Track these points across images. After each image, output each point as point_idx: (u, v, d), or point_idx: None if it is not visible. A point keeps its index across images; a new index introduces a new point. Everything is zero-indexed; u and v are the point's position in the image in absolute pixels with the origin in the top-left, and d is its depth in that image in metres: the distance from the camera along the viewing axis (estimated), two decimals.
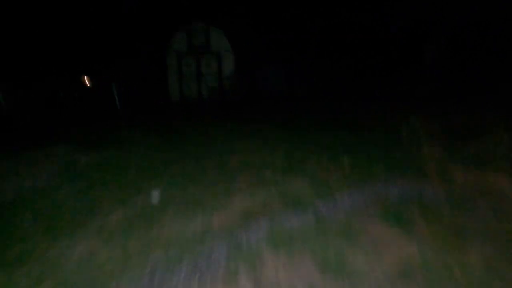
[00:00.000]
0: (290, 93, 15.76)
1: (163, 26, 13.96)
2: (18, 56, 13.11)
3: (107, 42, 14.25)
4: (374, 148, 5.18)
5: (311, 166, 4.48)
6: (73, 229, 2.95)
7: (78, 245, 2.69)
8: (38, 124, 9.09)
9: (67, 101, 11.89)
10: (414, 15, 14.80)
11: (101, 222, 3.07)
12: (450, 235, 2.61)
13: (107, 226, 2.99)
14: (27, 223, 3.05)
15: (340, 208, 3.16)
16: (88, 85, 15.07)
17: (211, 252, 2.49)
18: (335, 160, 4.61)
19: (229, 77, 13.50)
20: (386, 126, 6.57)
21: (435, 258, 2.33)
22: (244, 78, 13.76)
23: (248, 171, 4.41)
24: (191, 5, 14.38)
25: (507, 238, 2.56)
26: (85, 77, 16.43)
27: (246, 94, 13.55)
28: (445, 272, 2.20)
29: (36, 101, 11.67)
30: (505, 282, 2.10)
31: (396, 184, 3.69)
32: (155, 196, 3.59)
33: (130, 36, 13.94)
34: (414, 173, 4.00)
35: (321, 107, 11.43)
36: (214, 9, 13.84)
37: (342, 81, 15.87)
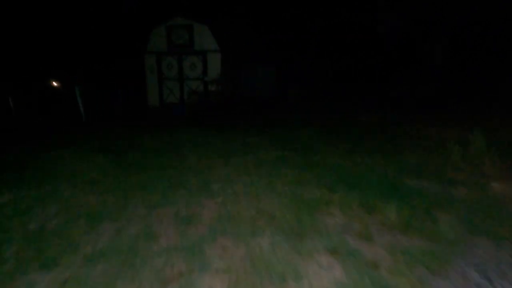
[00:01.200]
0: (283, 98, 14.10)
1: (139, 21, 12.12)
2: None
3: (74, 41, 12.30)
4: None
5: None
6: None
7: None
8: None
9: (18, 108, 9.90)
10: (415, 14, 13.42)
11: None
12: None
13: None
14: None
15: None
16: (54, 89, 13.04)
17: None
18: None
19: (215, 80, 11.73)
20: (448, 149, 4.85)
21: None
22: (232, 82, 12.04)
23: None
24: None
25: None
26: (52, 81, 14.40)
27: (234, 99, 11.81)
28: None
29: None
30: None
31: None
32: None
33: (101, 34, 12.04)
34: None
35: (323, 113, 9.79)
36: (197, 1, 12.09)
37: (342, 84, 14.35)
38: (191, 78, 12.44)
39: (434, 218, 2.76)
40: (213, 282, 2.00)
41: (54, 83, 14.57)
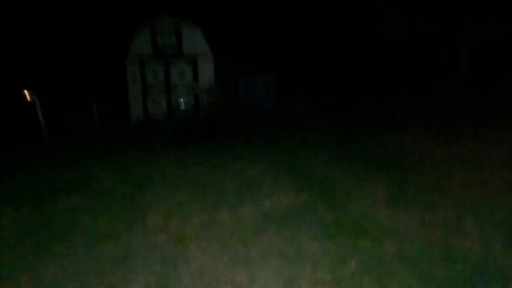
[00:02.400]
0: (286, 109, 12.34)
1: (119, 20, 10.42)
2: None
3: (42, 44, 10.56)
4: None
5: None
6: None
7: None
8: None
9: None
10: (436, 15, 11.80)
11: None
12: None
13: None
14: None
15: None
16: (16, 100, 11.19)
17: None
18: None
19: (207, 89, 9.94)
20: None
21: None
22: (228, 91, 10.28)
23: None
24: None
25: None
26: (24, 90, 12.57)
27: (229, 112, 10.03)
28: None
29: None
30: None
31: None
32: None
33: (72, 34, 10.31)
34: None
35: (336, 129, 7.98)
36: None
37: (353, 93, 12.60)
38: (179, 87, 10.66)
39: None
40: None
41: (27, 93, 12.72)
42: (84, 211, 3.41)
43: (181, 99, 10.50)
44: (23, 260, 2.47)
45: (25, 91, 12.62)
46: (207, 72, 10.38)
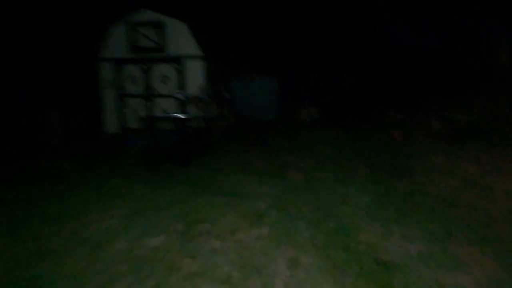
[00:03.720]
0: (291, 119, 10.65)
1: (89, 15, 8.64)
2: None
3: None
4: None
5: None
6: None
7: None
8: None
9: None
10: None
11: None
12: None
13: None
14: None
15: None
16: None
17: None
18: None
19: (196, 97, 8.17)
20: None
21: None
22: (220, 98, 8.54)
23: None
24: None
25: None
26: None
27: (222, 123, 8.28)
28: None
29: None
30: None
31: None
32: None
33: (34, 32, 8.50)
34: None
35: (358, 149, 6.28)
36: None
37: (369, 99, 10.94)
38: (162, 94, 8.89)
39: None
40: None
41: None
42: None
43: (167, 109, 8.72)
44: None
45: None
46: (195, 76, 8.63)
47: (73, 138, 8.53)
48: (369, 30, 10.15)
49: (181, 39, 8.61)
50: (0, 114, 6.77)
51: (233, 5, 9.42)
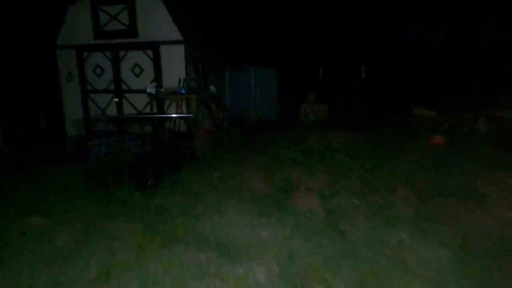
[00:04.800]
0: (292, 119, 9.06)
1: None
2: None
3: None
4: None
5: None
6: None
7: None
8: None
9: None
10: None
11: None
12: None
13: None
14: None
15: None
16: None
17: None
18: None
19: (174, 92, 6.46)
20: None
21: None
22: (208, 94, 6.84)
23: None
24: None
25: None
26: None
27: (210, 126, 6.66)
28: None
29: None
30: None
31: None
32: None
33: None
34: None
35: (379, 160, 4.69)
36: None
37: (381, 101, 9.31)
38: (135, 90, 7.18)
39: None
40: None
41: None
42: None
43: (140, 107, 7.03)
44: None
45: None
46: (174, 66, 6.94)
47: (23, 145, 6.83)
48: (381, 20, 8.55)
49: (156, 19, 6.91)
50: None
51: None
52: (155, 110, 6.73)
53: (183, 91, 5.30)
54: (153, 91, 5.43)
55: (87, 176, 3.85)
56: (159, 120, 5.91)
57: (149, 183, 3.61)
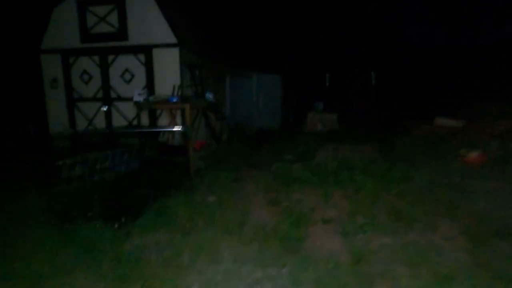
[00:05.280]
0: (296, 128, 8.35)
1: None
2: None
3: None
4: None
5: None
6: None
7: None
8: None
9: None
10: None
11: None
12: None
13: None
14: None
15: None
16: None
17: None
18: None
19: (165, 101, 5.73)
20: None
21: None
22: (205, 103, 6.14)
23: None
24: None
25: None
26: None
27: (208, 139, 5.95)
28: None
29: None
30: None
31: None
32: None
33: None
34: None
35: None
36: None
37: (391, 103, 8.60)
38: (125, 98, 6.49)
39: None
40: None
41: None
42: None
43: (130, 117, 6.32)
44: None
45: None
46: (168, 72, 6.27)
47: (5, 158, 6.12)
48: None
49: (148, 21, 6.27)
50: None
51: None
52: (145, 121, 6.03)
53: (174, 100, 4.61)
54: (141, 100, 4.74)
55: (49, 207, 3.11)
56: (146, 134, 5.22)
57: (123, 220, 2.87)
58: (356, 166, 4.39)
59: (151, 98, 4.89)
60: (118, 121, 6.67)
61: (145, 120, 6.31)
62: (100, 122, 6.80)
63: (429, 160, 4.46)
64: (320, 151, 5.31)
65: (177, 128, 4.17)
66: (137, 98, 4.81)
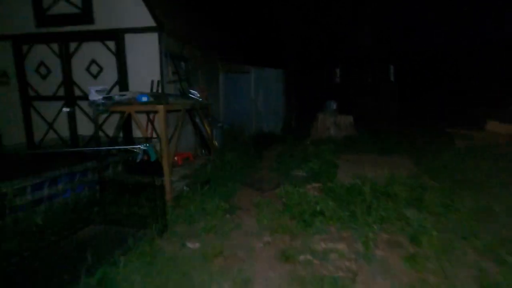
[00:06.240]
0: (304, 132, 7.11)
1: None
2: None
3: None
4: None
5: None
6: None
7: None
8: None
9: None
10: None
11: None
12: None
13: None
14: None
15: None
16: None
17: None
18: None
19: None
20: None
21: None
22: (190, 106, 4.84)
23: None
24: None
25: None
26: None
27: (193, 149, 4.66)
28: None
29: None
30: None
31: None
32: None
33: None
34: None
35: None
36: None
37: (413, 105, 7.36)
38: (92, 94, 5.15)
39: None
40: None
41: None
42: None
43: (95, 118, 4.97)
44: None
45: None
46: (145, 63, 4.96)
47: None
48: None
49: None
50: None
51: None
52: (110, 130, 4.70)
53: (144, 99, 3.30)
54: (99, 99, 3.43)
55: None
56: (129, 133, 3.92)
57: None
58: (398, 192, 3.13)
59: (116, 97, 3.60)
60: (84, 126, 5.35)
61: (110, 128, 4.97)
62: (62, 127, 5.48)
63: (500, 181, 3.21)
64: (341, 166, 4.04)
65: (133, 147, 2.85)
66: (93, 96, 3.50)
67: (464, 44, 7.30)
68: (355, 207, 2.96)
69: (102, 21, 5.01)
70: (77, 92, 5.33)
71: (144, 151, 2.73)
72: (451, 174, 3.58)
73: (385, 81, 6.83)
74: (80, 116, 5.37)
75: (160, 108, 3.24)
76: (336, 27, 7.46)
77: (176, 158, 4.01)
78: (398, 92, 7.07)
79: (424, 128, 6.13)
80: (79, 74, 5.28)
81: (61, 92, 5.40)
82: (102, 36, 5.05)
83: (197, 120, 5.13)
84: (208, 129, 5.03)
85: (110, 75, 5.12)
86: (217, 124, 5.93)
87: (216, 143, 5.69)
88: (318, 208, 2.94)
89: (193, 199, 3.49)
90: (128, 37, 4.96)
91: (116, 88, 5.09)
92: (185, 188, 3.67)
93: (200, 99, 4.37)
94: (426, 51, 7.31)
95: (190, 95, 4.39)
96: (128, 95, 3.51)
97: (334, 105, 6.35)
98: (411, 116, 6.68)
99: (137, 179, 3.60)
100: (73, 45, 5.22)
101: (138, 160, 3.16)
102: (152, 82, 4.85)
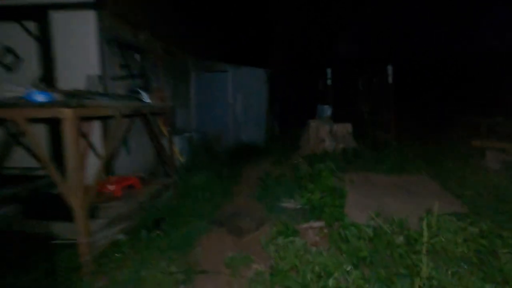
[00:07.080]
0: (292, 142, 6.01)
1: None
2: None
3: None
4: None
5: None
6: None
7: None
8: None
9: None
10: None
11: None
12: None
13: None
14: None
15: None
16: None
17: None
18: None
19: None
20: None
21: None
22: (144, 106, 3.62)
23: None
24: None
25: None
26: None
27: (148, 170, 3.41)
28: None
29: None
30: None
31: None
32: None
33: None
34: None
35: None
36: None
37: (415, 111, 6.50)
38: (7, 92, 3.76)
39: None
40: None
41: None
42: None
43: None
44: None
45: None
46: (80, 52, 3.63)
47: None
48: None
49: None
50: None
51: None
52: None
53: (40, 99, 2.00)
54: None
55: None
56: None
57: None
58: (447, 247, 2.03)
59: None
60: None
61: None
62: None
63: None
64: (350, 194, 2.91)
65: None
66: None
67: (470, 50, 6.62)
68: (385, 273, 1.81)
69: None
70: None
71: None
72: (508, 206, 2.54)
73: (383, 83, 5.92)
74: None
75: (67, 113, 1.96)
76: (328, 22, 6.49)
77: (111, 187, 2.73)
78: (396, 96, 6.20)
79: (434, 137, 5.24)
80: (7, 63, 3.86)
81: None
82: (19, 14, 3.66)
83: (155, 128, 3.84)
84: (167, 141, 3.75)
85: (32, 68, 3.73)
86: (183, 135, 4.66)
87: (182, 159, 4.42)
88: (330, 283, 1.75)
89: (129, 257, 2.21)
90: (55, 16, 3.62)
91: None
92: (120, 237, 2.38)
93: (149, 101, 3.10)
94: (426, 54, 6.52)
95: (138, 96, 3.11)
96: (15, 92, 2.19)
97: (328, 111, 5.31)
98: (411, 123, 5.81)
99: (42, 225, 2.27)
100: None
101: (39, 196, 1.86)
102: (89, 77, 3.52)
